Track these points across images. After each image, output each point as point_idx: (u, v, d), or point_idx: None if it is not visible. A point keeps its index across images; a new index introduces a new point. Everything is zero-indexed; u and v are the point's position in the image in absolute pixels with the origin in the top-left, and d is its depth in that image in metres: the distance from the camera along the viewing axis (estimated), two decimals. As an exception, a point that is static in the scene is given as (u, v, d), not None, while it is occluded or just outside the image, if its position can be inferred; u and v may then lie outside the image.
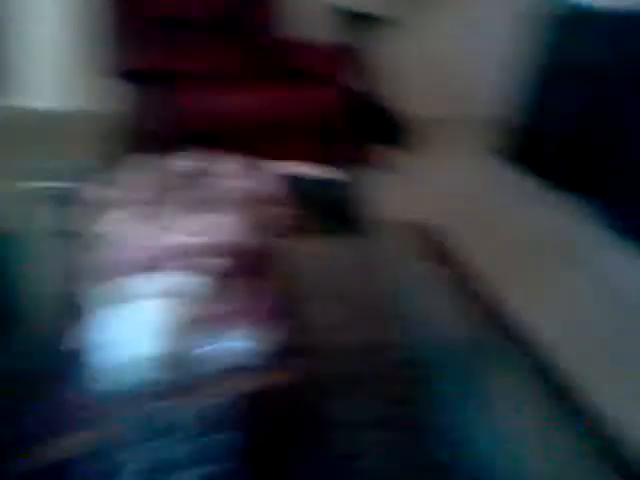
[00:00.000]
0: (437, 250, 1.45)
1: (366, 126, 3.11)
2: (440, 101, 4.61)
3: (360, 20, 4.31)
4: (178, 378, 0.79)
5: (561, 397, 1.03)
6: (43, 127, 3.25)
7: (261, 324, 0.82)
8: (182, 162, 1.05)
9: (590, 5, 3.06)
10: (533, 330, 1.77)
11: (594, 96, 3.09)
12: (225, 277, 0.85)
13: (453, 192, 3.01)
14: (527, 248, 2.47)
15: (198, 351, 0.80)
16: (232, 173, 1.03)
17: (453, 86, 4.64)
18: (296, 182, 1.30)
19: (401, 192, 2.89)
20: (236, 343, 0.82)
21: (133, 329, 0.81)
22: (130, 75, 2.39)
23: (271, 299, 0.84)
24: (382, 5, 4.27)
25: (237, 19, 3.07)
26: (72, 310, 0.89)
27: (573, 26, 3.13)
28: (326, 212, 1.52)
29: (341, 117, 2.72)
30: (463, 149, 3.87)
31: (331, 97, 2.69)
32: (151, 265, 0.84)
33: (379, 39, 4.28)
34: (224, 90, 2.58)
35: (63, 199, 1.28)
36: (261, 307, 0.83)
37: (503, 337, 1.14)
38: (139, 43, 2.71)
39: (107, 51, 2.54)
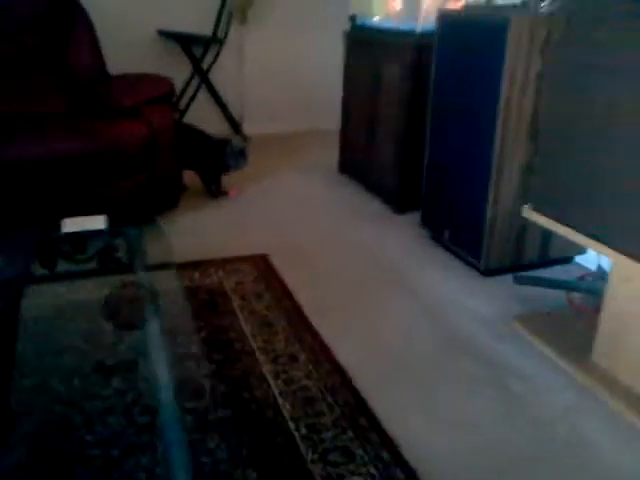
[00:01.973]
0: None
1: (193, 154, 3.21)
2: (277, 117, 4.76)
3: (188, 42, 4.32)
4: None
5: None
6: None
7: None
8: None
9: (364, 23, 3.51)
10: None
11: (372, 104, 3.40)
12: None
13: (285, 218, 3.11)
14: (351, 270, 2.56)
15: None
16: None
17: (288, 102, 4.80)
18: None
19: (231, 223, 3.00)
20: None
21: None
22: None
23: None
24: (210, 26, 4.27)
25: (51, 56, 3.05)
26: None
27: (355, 41, 3.59)
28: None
29: (157, 147, 2.72)
30: (302, 165, 4.00)
31: (140, 129, 2.69)
32: None
33: (213, 60, 4.34)
34: (36, 131, 2.56)
35: None
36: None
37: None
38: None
39: None
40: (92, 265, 1.76)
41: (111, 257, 1.74)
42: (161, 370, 1.29)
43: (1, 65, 2.90)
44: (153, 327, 1.43)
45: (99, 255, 1.71)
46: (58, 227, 1.71)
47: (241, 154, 3.27)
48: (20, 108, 2.80)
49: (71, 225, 1.68)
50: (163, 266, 1.75)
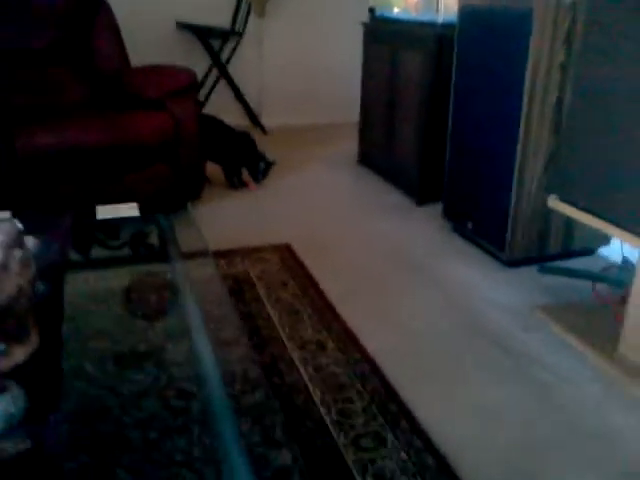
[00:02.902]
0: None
1: (215, 146, 3.24)
2: (295, 110, 4.77)
3: (206, 34, 4.34)
4: None
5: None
6: None
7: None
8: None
9: (383, 15, 3.55)
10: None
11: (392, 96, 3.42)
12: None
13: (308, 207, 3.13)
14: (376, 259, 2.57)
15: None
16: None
17: (307, 94, 4.82)
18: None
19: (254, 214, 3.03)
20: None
21: None
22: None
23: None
24: (229, 18, 4.30)
25: (74, 48, 3.08)
26: None
27: (374, 33, 3.61)
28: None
29: (180, 139, 2.74)
30: (321, 157, 4.01)
31: (163, 121, 2.71)
32: None
33: (231, 52, 4.36)
34: (60, 120, 2.59)
35: None
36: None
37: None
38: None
39: None
40: (124, 252, 1.79)
41: (143, 244, 1.77)
42: (204, 354, 1.31)
43: (25, 59, 2.92)
44: (191, 314, 1.46)
45: (131, 241, 1.74)
46: (92, 214, 1.74)
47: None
48: (45, 100, 2.84)
49: (105, 212, 1.71)
50: (196, 254, 1.78)
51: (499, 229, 2.41)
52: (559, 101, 2.21)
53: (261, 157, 3.35)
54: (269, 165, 3.36)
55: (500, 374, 1.84)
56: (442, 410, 1.67)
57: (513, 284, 2.35)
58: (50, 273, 1.24)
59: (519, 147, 2.26)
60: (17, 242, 1.05)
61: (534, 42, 2.14)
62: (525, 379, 1.81)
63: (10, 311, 1.00)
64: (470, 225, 2.61)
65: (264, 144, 3.66)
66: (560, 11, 2.12)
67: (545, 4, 2.11)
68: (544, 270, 2.23)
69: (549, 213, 2.33)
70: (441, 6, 2.86)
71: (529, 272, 2.41)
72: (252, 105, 4.69)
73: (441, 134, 2.91)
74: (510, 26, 2.26)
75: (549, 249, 2.47)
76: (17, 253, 1.03)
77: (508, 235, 2.38)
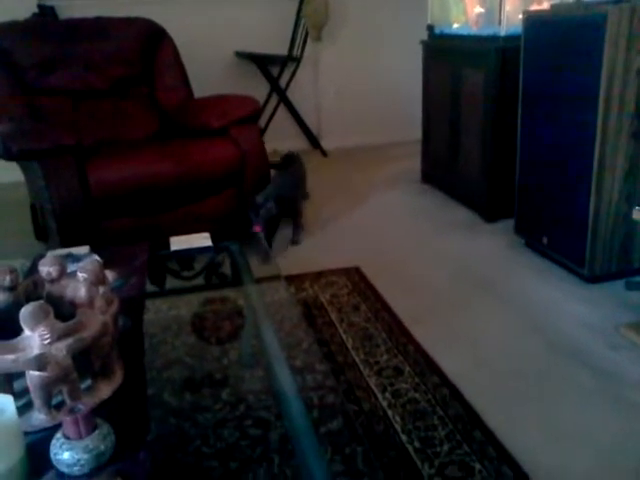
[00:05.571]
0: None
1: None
2: (354, 131, 4.79)
3: (264, 62, 4.41)
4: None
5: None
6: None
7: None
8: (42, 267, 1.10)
9: (443, 32, 3.52)
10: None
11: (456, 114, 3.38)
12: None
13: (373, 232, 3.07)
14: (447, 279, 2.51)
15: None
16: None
17: (365, 115, 4.83)
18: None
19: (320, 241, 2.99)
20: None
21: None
22: (32, 154, 2.38)
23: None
24: (285, 45, 4.33)
25: (139, 85, 3.18)
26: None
27: (433, 50, 3.59)
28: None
29: (247, 166, 2.76)
30: (384, 177, 3.98)
31: (231, 149, 2.74)
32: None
33: (289, 78, 4.40)
34: (130, 155, 2.65)
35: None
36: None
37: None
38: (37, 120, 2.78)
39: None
40: (198, 281, 1.80)
41: (217, 273, 1.77)
42: (284, 381, 1.29)
43: (93, 96, 3.03)
44: (267, 340, 1.44)
45: (205, 272, 1.74)
46: (166, 245, 1.76)
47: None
48: (112, 136, 2.92)
49: (178, 243, 1.72)
50: (269, 278, 1.76)
51: (577, 243, 2.31)
52: (638, 108, 2.11)
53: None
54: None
55: (588, 395, 1.74)
56: (530, 436, 1.59)
57: (596, 300, 2.24)
58: (130, 307, 1.25)
59: (596, 156, 2.16)
60: (100, 279, 1.06)
61: (608, 48, 2.05)
62: (616, 400, 1.71)
63: (95, 348, 1.00)
64: (545, 240, 2.51)
65: (325, 166, 3.66)
66: (635, 17, 2.04)
67: (619, 10, 2.03)
68: (632, 286, 2.11)
69: (632, 224, 2.22)
70: (504, 19, 2.80)
71: (612, 287, 2.29)
72: (311, 128, 4.71)
73: (508, 148, 2.83)
74: (582, 33, 2.18)
75: (633, 263, 2.34)
76: (101, 290, 1.04)
77: (587, 249, 2.27)
